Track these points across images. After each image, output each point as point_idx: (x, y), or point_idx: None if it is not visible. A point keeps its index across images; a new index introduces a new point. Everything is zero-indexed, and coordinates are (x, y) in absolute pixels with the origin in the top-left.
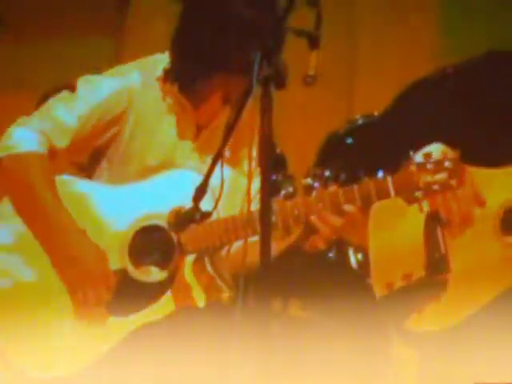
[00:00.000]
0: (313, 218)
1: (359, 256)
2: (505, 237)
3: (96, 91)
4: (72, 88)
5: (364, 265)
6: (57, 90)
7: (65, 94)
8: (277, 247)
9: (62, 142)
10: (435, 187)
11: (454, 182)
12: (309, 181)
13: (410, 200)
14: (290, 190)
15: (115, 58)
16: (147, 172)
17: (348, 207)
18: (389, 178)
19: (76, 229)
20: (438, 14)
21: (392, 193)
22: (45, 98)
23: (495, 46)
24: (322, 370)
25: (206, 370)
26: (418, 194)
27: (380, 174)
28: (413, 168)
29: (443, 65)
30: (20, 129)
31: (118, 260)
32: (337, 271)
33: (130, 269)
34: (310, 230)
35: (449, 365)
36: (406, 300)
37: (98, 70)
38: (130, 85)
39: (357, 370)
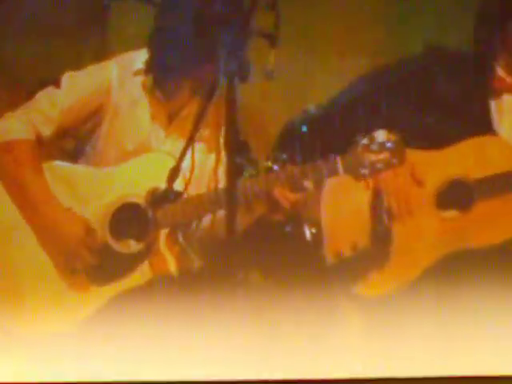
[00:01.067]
0: (274, 193)
1: (313, 230)
2: (441, 212)
3: (78, 85)
4: (57, 83)
5: (317, 237)
6: (43, 85)
7: (50, 88)
8: (244, 221)
9: (47, 131)
10: (379, 165)
11: (395, 161)
12: (269, 163)
13: (357, 177)
14: (253, 171)
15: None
16: (126, 156)
17: (303, 184)
18: (338, 158)
19: (61, 207)
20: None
21: (340, 171)
22: (32, 92)
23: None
24: (277, 329)
25: (180, 329)
26: (364, 171)
27: (331, 156)
28: (359, 149)
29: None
30: (9, 120)
31: (100, 234)
32: (293, 243)
33: (111, 242)
34: (271, 205)
35: (391, 325)
36: (353, 268)
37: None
38: (109, 79)
39: (308, 330)
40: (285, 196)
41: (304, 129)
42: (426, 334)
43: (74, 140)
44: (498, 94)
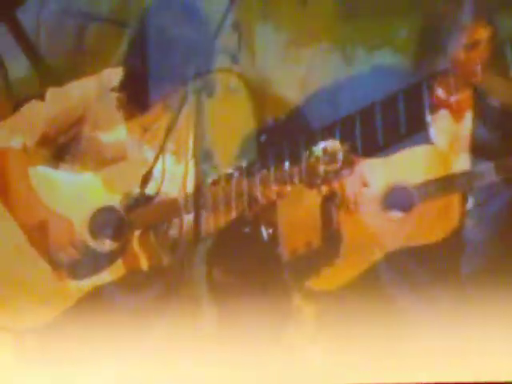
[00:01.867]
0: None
1: (270, 230)
2: (386, 213)
3: (61, 99)
4: (42, 98)
5: (273, 238)
6: (28, 99)
7: (34, 101)
8: (219, 221)
9: (32, 140)
10: (330, 175)
11: (345, 171)
12: (230, 170)
13: (311, 186)
14: (216, 177)
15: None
16: (104, 163)
17: (261, 189)
18: (294, 170)
19: (46, 208)
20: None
21: (296, 181)
22: (18, 105)
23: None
24: (238, 318)
25: (150, 318)
26: (317, 181)
27: (286, 164)
28: (312, 160)
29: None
30: None
31: (80, 233)
32: (252, 243)
33: (90, 241)
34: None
35: (341, 317)
36: (306, 264)
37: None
38: (88, 94)
39: (265, 320)
40: (265, 193)
41: (262, 138)
42: (371, 331)
43: (56, 148)
44: (435, 109)
